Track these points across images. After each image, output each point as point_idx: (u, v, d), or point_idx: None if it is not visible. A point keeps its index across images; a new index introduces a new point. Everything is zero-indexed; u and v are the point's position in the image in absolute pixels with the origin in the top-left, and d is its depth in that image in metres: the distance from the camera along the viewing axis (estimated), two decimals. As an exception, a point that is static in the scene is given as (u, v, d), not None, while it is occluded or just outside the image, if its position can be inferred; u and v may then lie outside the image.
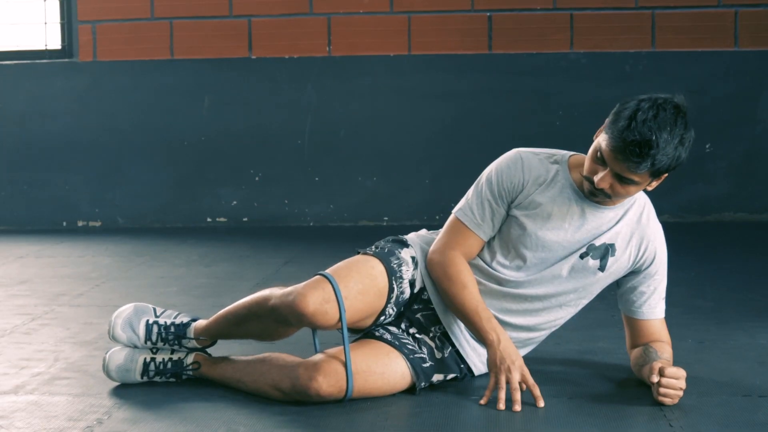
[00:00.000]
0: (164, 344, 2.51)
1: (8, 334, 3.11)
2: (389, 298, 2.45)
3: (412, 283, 2.50)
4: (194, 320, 2.55)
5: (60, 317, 3.36)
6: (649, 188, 2.35)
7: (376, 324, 2.48)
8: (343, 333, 2.35)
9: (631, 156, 2.18)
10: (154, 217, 5.87)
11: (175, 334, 2.50)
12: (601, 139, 2.25)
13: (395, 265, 2.47)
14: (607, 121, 2.26)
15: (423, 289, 2.52)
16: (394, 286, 2.46)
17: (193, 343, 2.51)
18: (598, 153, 2.26)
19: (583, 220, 2.39)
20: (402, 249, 2.52)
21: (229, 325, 2.49)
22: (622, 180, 2.25)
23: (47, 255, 4.82)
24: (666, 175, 2.27)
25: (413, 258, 2.52)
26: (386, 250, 2.51)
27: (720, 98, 5.67)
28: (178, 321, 2.53)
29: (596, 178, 2.27)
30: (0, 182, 5.87)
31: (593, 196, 2.34)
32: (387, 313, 2.47)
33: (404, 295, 2.49)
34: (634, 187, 2.28)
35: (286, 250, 4.87)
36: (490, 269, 2.47)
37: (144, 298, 3.68)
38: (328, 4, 5.70)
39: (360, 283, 2.40)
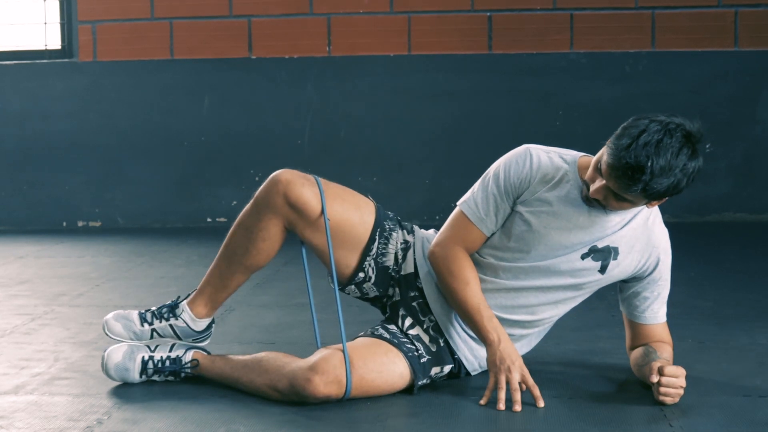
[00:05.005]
0: (160, 321, 2.53)
1: (8, 334, 3.11)
2: (369, 247, 2.47)
3: (396, 258, 2.51)
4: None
5: (60, 317, 3.36)
6: (649, 207, 2.35)
7: (354, 281, 2.49)
8: (338, 315, 2.36)
9: (623, 178, 2.17)
10: (154, 217, 5.87)
11: (168, 308, 2.54)
12: (605, 150, 2.24)
13: (387, 226, 2.52)
14: (616, 132, 2.24)
15: (417, 276, 2.52)
16: (377, 237, 2.49)
17: (188, 313, 2.52)
18: (599, 164, 2.25)
19: (588, 222, 2.37)
20: (402, 229, 2.55)
21: (219, 261, 2.54)
22: (616, 196, 2.25)
23: (47, 255, 4.82)
24: (666, 198, 2.25)
25: (406, 241, 2.53)
26: (389, 215, 2.55)
27: (720, 98, 5.67)
28: (168, 302, 2.58)
29: (592, 188, 2.27)
30: (0, 182, 5.87)
31: (589, 202, 2.34)
32: (365, 269, 2.48)
33: (385, 260, 2.50)
34: (628, 204, 2.28)
35: (286, 250, 4.84)
36: (486, 260, 2.46)
37: (144, 298, 3.68)
38: (328, 4, 5.71)
39: (342, 191, 2.49)
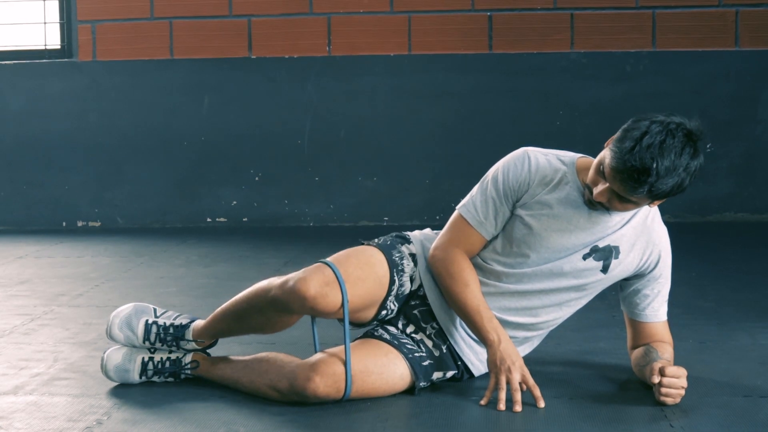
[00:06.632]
0: (162, 345, 2.51)
1: (8, 334, 3.10)
2: (390, 289, 2.45)
3: (411, 279, 2.50)
4: (193, 321, 2.54)
5: (59, 317, 3.35)
6: (650, 206, 2.36)
7: (377, 318, 2.48)
8: (344, 326, 2.34)
9: (629, 180, 2.17)
10: (154, 217, 5.86)
11: (173, 336, 2.50)
12: (606, 153, 2.23)
13: (397, 258, 2.48)
14: (617, 134, 2.23)
15: (420, 285, 2.51)
16: (395, 278, 2.46)
17: (192, 345, 2.51)
18: (601, 166, 2.25)
19: (589, 223, 2.37)
20: (404, 244, 2.53)
21: (229, 321, 2.48)
22: (620, 198, 2.25)
23: (47, 255, 4.82)
24: (669, 197, 2.25)
25: (413, 255, 2.52)
26: (388, 243, 2.52)
27: (720, 98, 5.66)
28: (177, 322, 2.52)
29: (595, 191, 2.26)
30: (0, 182, 5.87)
31: (592, 204, 2.34)
32: (388, 307, 2.46)
33: (404, 289, 2.48)
34: (632, 206, 2.28)
35: (286, 250, 4.86)
36: (490, 266, 2.46)
37: (144, 298, 3.67)
38: (328, 4, 5.70)
39: (359, 269, 2.40)
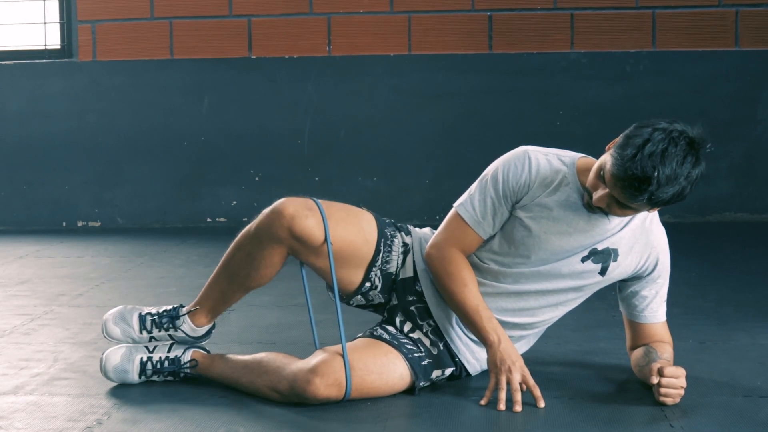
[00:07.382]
0: (159, 330, 2.51)
1: (8, 334, 3.10)
2: (375, 258, 2.45)
3: (398, 263, 2.49)
4: (182, 306, 2.57)
5: (59, 317, 3.35)
6: (650, 212, 2.36)
7: (362, 291, 2.48)
8: (338, 315, 2.35)
9: (629, 188, 2.16)
10: (154, 217, 5.86)
11: (168, 317, 2.52)
12: (607, 158, 2.22)
13: (388, 233, 2.49)
14: (618, 140, 2.22)
15: (416, 279, 2.51)
16: (382, 248, 2.46)
17: (188, 324, 2.51)
18: (601, 171, 2.24)
19: (588, 226, 2.37)
20: (400, 231, 2.54)
21: (220, 279, 2.50)
22: (620, 204, 2.24)
23: (47, 255, 4.82)
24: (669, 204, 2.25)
25: (406, 244, 2.52)
26: (386, 221, 2.54)
27: (720, 98, 5.67)
28: (169, 307, 2.55)
29: (595, 196, 2.25)
30: (0, 182, 5.87)
31: (591, 208, 2.33)
32: (372, 279, 2.46)
33: (389, 267, 2.48)
34: (631, 211, 2.28)
35: (286, 250, 4.85)
36: (488, 265, 2.45)
37: (144, 298, 3.68)
38: (328, 4, 5.70)
39: (344, 212, 2.45)
